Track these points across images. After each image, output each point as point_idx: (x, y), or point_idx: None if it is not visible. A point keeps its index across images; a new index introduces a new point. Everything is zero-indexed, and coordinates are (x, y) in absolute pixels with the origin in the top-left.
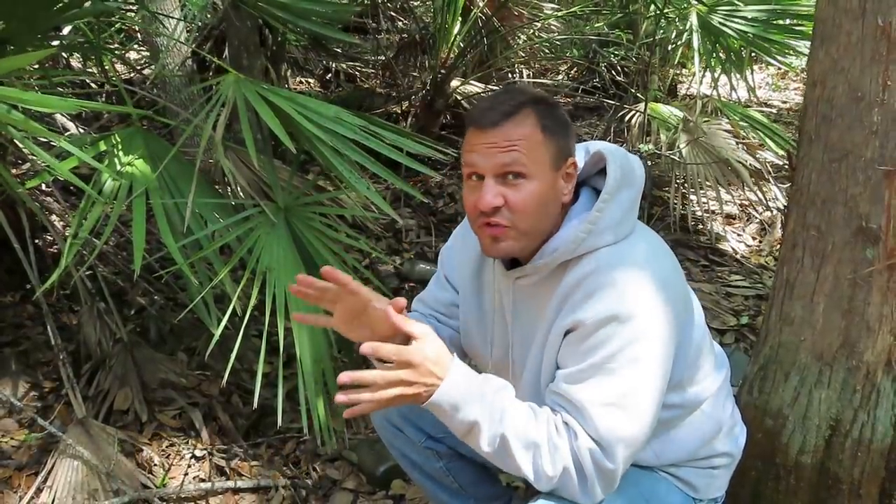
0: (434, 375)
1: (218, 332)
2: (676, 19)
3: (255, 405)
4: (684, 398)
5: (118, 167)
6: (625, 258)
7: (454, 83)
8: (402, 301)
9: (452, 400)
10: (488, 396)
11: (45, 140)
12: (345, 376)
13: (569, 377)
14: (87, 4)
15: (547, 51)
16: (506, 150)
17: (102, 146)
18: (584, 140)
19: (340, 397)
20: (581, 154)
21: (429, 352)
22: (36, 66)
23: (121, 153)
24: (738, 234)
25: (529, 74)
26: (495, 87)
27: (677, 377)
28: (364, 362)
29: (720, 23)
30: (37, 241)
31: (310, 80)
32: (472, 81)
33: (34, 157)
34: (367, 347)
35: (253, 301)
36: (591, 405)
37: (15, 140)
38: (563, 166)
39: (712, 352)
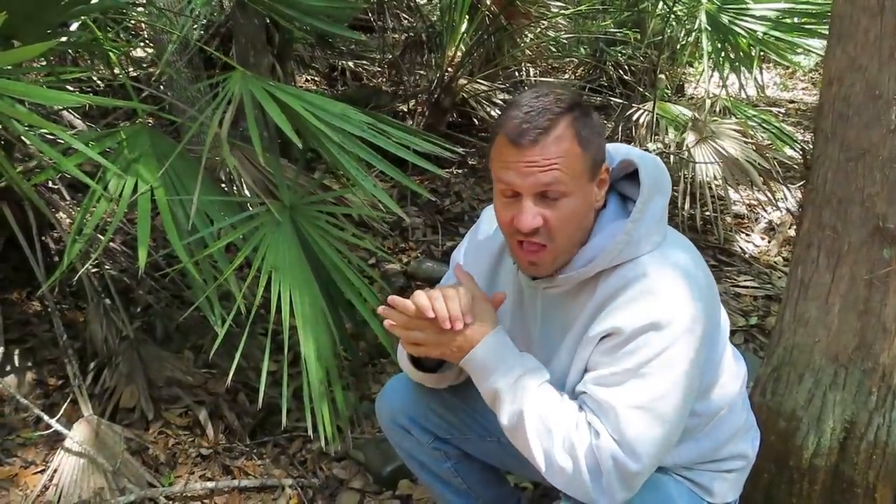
0: (474, 334)
1: (223, 331)
2: (685, 18)
3: (261, 404)
4: (708, 407)
5: (124, 164)
6: (664, 266)
7: (461, 81)
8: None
9: (484, 362)
10: (517, 370)
11: (51, 136)
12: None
13: (599, 379)
14: (93, 1)
15: (554, 49)
16: (545, 170)
17: (108, 143)
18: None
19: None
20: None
21: (478, 310)
22: (43, 63)
23: (126, 150)
24: (747, 235)
25: (536, 73)
26: (502, 86)
27: (704, 385)
28: (368, 363)
29: (729, 21)
30: (43, 238)
31: (316, 77)
32: (478, 80)
33: (40, 154)
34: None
35: (258, 300)
36: (620, 407)
37: (21, 136)
38: (598, 173)
39: (733, 356)
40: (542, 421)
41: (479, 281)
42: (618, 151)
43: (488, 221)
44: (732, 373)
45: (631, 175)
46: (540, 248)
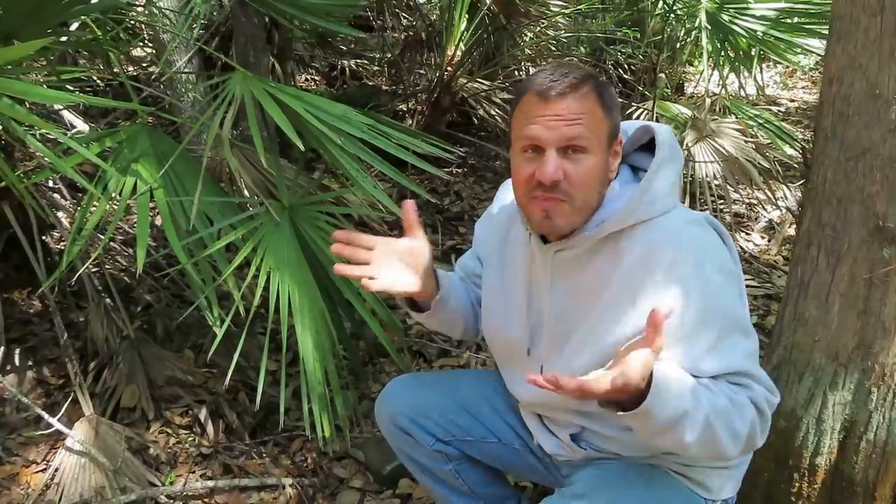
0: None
1: (221, 331)
2: (684, 17)
3: (261, 403)
4: None
5: (123, 164)
6: (682, 224)
7: (460, 81)
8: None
9: (664, 406)
10: (687, 385)
11: (51, 136)
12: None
13: (700, 358)
14: (93, 0)
15: (554, 48)
16: (571, 124)
17: (108, 143)
18: None
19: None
20: None
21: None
22: (44, 63)
23: (126, 150)
24: (747, 234)
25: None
26: (502, 85)
27: None
28: (368, 363)
29: (729, 20)
30: (44, 237)
31: (315, 77)
32: (478, 79)
33: (40, 154)
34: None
35: (257, 300)
36: (746, 364)
37: (18, 135)
38: (614, 144)
39: None
40: (719, 412)
41: (492, 247)
42: (630, 125)
43: (504, 192)
44: None
45: (642, 149)
46: (558, 201)
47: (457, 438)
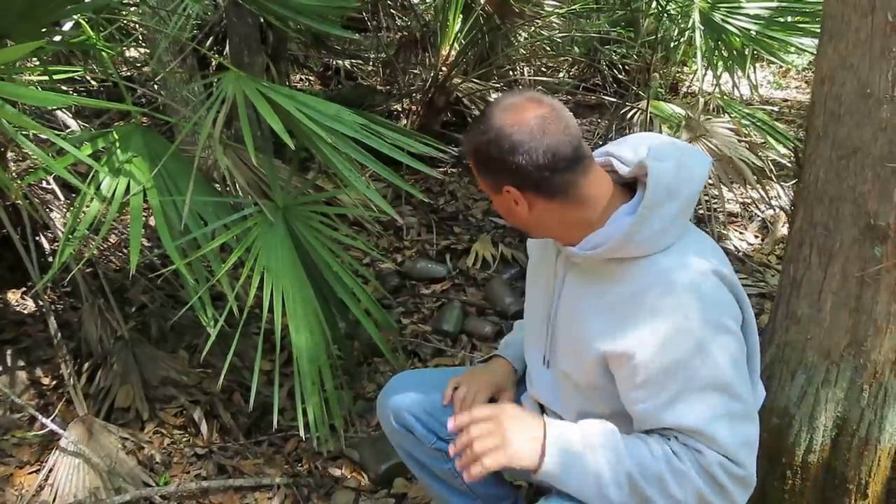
0: (534, 438)
1: (215, 332)
2: (678, 17)
3: (255, 403)
4: None
5: (116, 165)
6: (679, 269)
7: (455, 80)
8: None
9: (562, 459)
10: (596, 442)
11: (45, 137)
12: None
13: (661, 407)
14: (86, 0)
15: (548, 48)
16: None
17: (101, 143)
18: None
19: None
20: (629, 151)
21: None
22: (37, 63)
23: (119, 151)
24: (741, 233)
25: (530, 72)
26: (496, 85)
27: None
28: (363, 363)
29: (722, 20)
30: (38, 238)
31: (310, 77)
32: (473, 79)
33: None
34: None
35: (250, 300)
36: (704, 425)
37: (11, 137)
38: (501, 191)
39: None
40: (647, 472)
41: (533, 261)
42: (642, 141)
43: None
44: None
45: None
46: None
47: (458, 437)
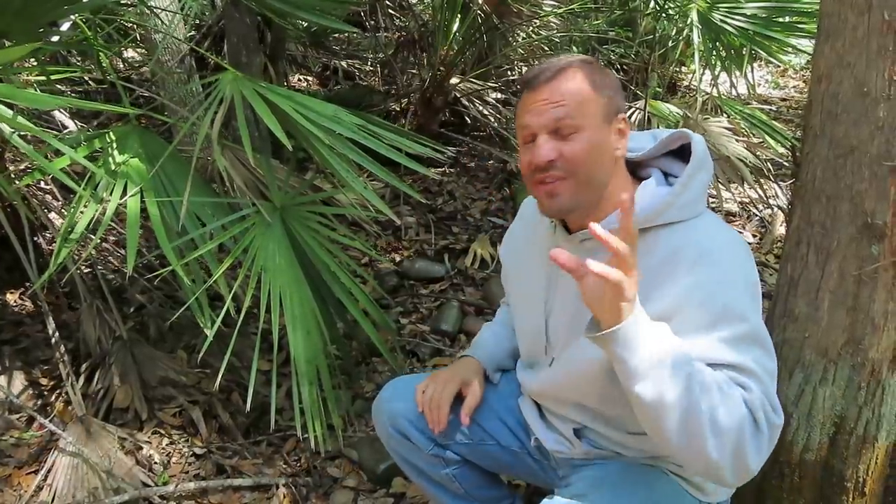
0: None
1: (212, 332)
2: (676, 16)
3: (253, 404)
4: None
5: (113, 166)
6: (715, 228)
7: (453, 80)
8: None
9: (639, 331)
10: (670, 340)
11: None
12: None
13: (712, 349)
14: (84, 0)
15: (546, 48)
16: (557, 105)
17: (97, 144)
18: None
19: None
20: (646, 138)
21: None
22: (34, 64)
23: (116, 151)
24: (739, 232)
25: None
26: (494, 85)
27: None
28: (361, 362)
29: (720, 20)
30: (36, 238)
31: (308, 77)
32: (471, 79)
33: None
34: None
35: (248, 301)
36: (756, 366)
37: (6, 139)
38: (613, 120)
39: None
40: (701, 390)
41: (514, 258)
42: (664, 133)
43: (523, 205)
44: None
45: (674, 154)
46: (559, 179)
47: (455, 442)
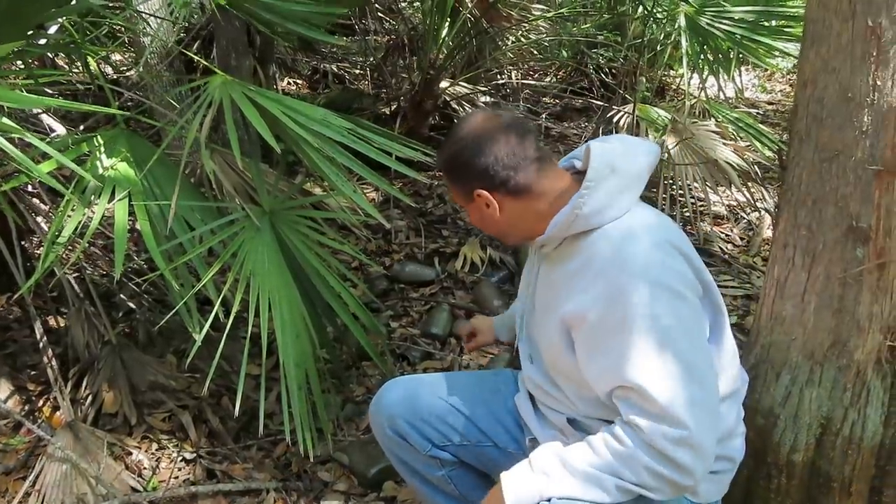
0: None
1: (200, 337)
2: (664, 21)
3: (243, 408)
4: None
5: (100, 169)
6: (626, 236)
7: (443, 84)
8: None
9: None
10: (550, 467)
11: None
12: None
13: (603, 373)
14: (72, 3)
15: (535, 52)
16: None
17: (85, 148)
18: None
19: None
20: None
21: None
22: (21, 66)
23: (103, 155)
24: (727, 235)
25: (518, 76)
26: (484, 88)
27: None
28: (351, 366)
29: (708, 24)
30: (23, 243)
31: (298, 80)
32: (460, 82)
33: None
34: None
35: (237, 305)
36: (643, 380)
37: None
38: (475, 198)
39: (734, 357)
40: (602, 467)
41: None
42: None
43: None
44: (733, 367)
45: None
46: None
47: (453, 444)
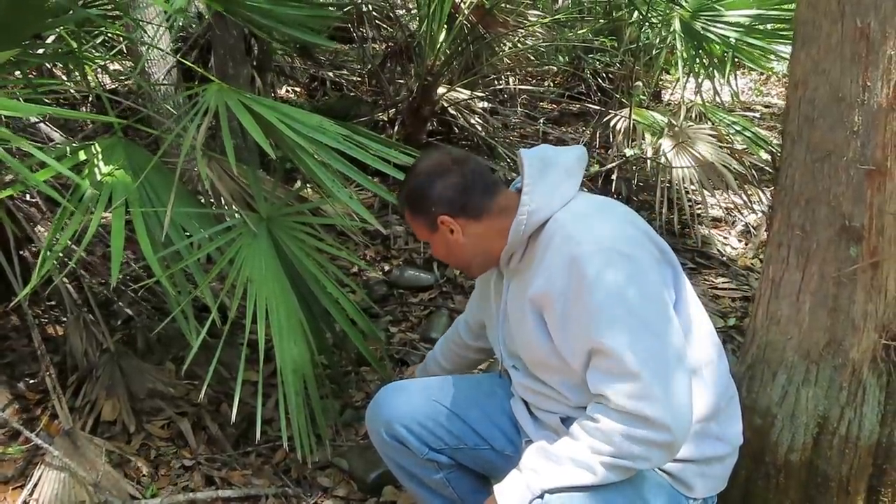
0: None
1: (197, 343)
2: (660, 25)
3: (242, 415)
4: None
5: (98, 177)
6: (570, 217)
7: (440, 90)
8: None
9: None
10: (538, 466)
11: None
12: None
13: (579, 337)
14: (69, 12)
15: (532, 58)
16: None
17: (82, 156)
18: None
19: None
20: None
21: None
22: (19, 76)
23: (101, 163)
24: (724, 237)
25: (515, 81)
26: (481, 94)
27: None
28: (350, 372)
29: (703, 28)
30: (21, 251)
31: (296, 88)
32: (458, 88)
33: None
34: None
35: (233, 311)
36: (606, 338)
37: None
38: (438, 227)
39: (708, 327)
40: (586, 451)
41: (480, 288)
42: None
43: None
44: (703, 333)
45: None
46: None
47: (450, 447)
